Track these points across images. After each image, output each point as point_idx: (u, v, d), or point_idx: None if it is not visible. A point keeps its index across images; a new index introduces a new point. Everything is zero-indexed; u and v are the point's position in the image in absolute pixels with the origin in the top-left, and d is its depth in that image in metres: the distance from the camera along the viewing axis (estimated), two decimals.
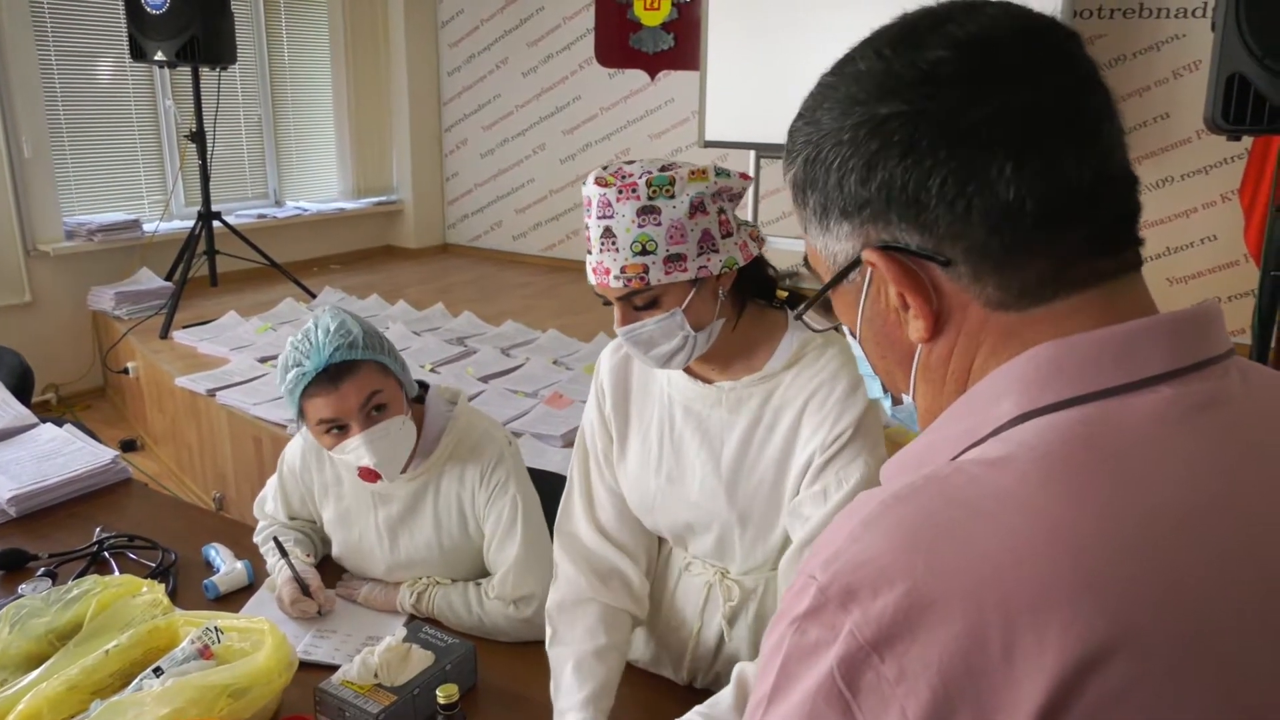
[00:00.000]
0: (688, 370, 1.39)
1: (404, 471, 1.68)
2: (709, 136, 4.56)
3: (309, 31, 5.98)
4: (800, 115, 0.66)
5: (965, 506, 0.53)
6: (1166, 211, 4.28)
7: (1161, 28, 4.21)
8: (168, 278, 4.85)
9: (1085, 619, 0.48)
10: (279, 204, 5.95)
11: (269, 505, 1.86)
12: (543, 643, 1.45)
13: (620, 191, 1.22)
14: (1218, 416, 0.57)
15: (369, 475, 1.64)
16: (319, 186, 6.19)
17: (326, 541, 1.87)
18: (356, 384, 1.56)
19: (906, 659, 0.50)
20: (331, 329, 1.57)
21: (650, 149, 5.64)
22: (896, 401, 0.71)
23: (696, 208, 1.24)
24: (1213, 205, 4.24)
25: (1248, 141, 3.43)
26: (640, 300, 1.26)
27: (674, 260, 1.23)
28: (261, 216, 5.62)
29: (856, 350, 0.71)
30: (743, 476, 1.35)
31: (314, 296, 4.98)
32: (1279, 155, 3.10)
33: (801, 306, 0.74)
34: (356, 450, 1.58)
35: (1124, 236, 0.61)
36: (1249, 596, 0.52)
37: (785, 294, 1.41)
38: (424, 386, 1.77)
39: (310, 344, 1.57)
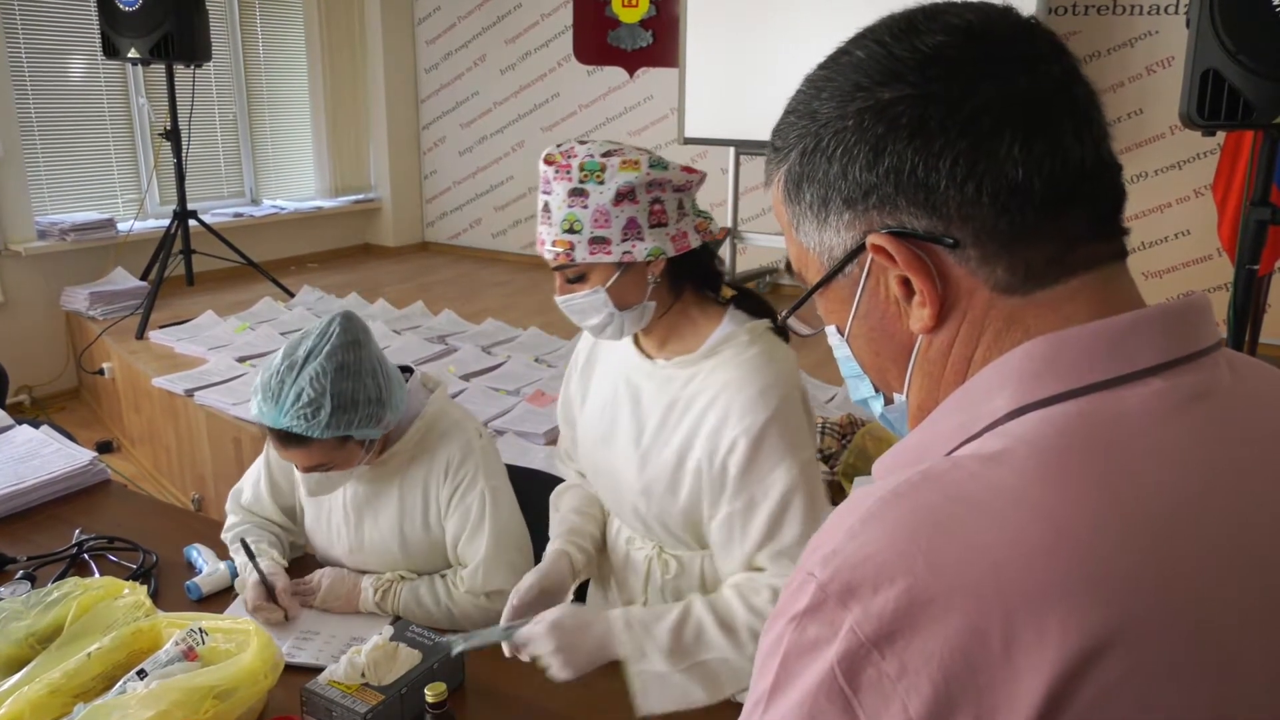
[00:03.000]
0: (636, 344, 1.47)
1: (379, 455, 1.69)
2: (688, 133, 4.57)
3: (284, 28, 5.92)
4: (790, 111, 0.66)
5: (963, 502, 0.54)
6: (1141, 206, 4.32)
7: (1135, 24, 4.26)
8: (143, 277, 4.79)
9: (1084, 612, 0.49)
10: (256, 202, 5.89)
11: (245, 495, 1.84)
12: None
13: (558, 171, 1.31)
14: (1208, 407, 0.58)
15: None
16: (296, 185, 6.13)
17: (296, 545, 1.86)
18: (303, 455, 1.58)
19: (907, 655, 0.50)
20: (303, 399, 1.50)
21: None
22: (888, 401, 0.70)
23: (624, 196, 1.30)
24: (1186, 200, 4.29)
25: (1220, 137, 3.47)
26: (570, 274, 1.36)
27: (598, 242, 1.31)
28: (238, 215, 5.57)
29: (841, 352, 0.71)
30: (654, 452, 1.42)
31: (292, 295, 4.94)
32: (1251, 150, 3.14)
33: (790, 307, 0.73)
34: (300, 476, 1.67)
35: (1115, 223, 0.62)
36: (1245, 586, 0.52)
37: (732, 292, 1.46)
38: (408, 371, 1.77)
39: (279, 390, 1.51)
